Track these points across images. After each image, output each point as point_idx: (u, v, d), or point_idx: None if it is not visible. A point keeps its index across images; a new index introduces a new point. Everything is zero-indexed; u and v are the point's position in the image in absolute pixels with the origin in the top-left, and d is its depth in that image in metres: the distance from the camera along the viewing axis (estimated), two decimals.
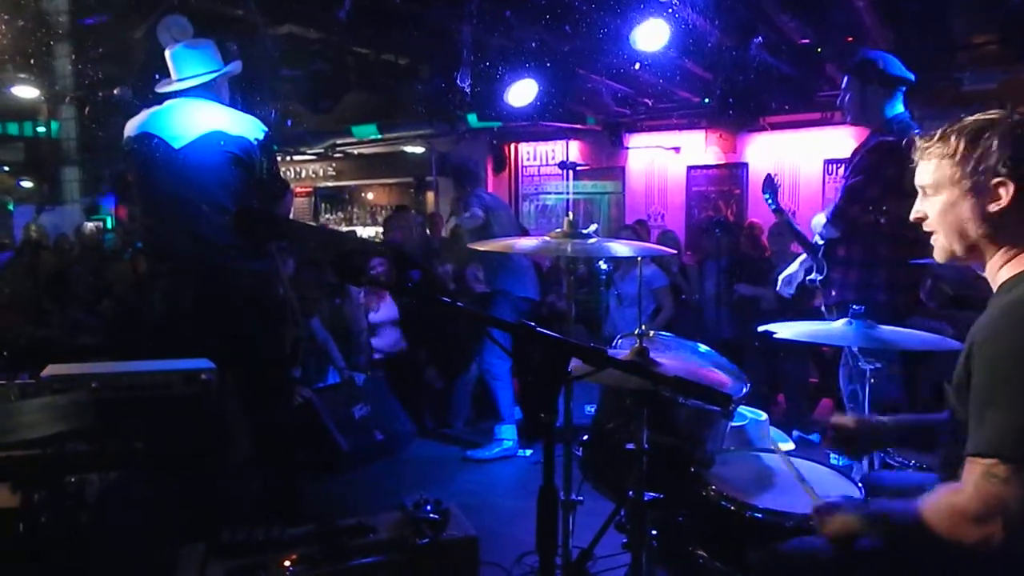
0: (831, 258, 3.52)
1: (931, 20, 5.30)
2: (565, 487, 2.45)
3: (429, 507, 2.42)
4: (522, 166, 10.12)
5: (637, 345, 2.12)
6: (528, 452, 4.68)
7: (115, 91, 5.26)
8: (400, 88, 6.52)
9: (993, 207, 1.46)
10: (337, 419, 4.57)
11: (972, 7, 5.16)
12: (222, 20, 5.00)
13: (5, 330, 4.39)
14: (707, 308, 5.76)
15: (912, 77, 3.39)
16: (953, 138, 1.51)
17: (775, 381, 5.21)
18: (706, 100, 7.25)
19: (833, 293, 3.49)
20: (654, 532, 2.15)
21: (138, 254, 5.80)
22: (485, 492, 4.13)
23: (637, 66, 5.38)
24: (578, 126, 8.69)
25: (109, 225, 11.10)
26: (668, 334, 2.86)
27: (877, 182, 3.26)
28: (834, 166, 7.76)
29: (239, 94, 3.35)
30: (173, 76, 3.11)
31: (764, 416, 3.35)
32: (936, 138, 1.55)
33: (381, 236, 7.62)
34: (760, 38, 4.90)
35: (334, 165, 12.63)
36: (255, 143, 3.03)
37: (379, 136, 9.59)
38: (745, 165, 8.43)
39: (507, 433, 4.70)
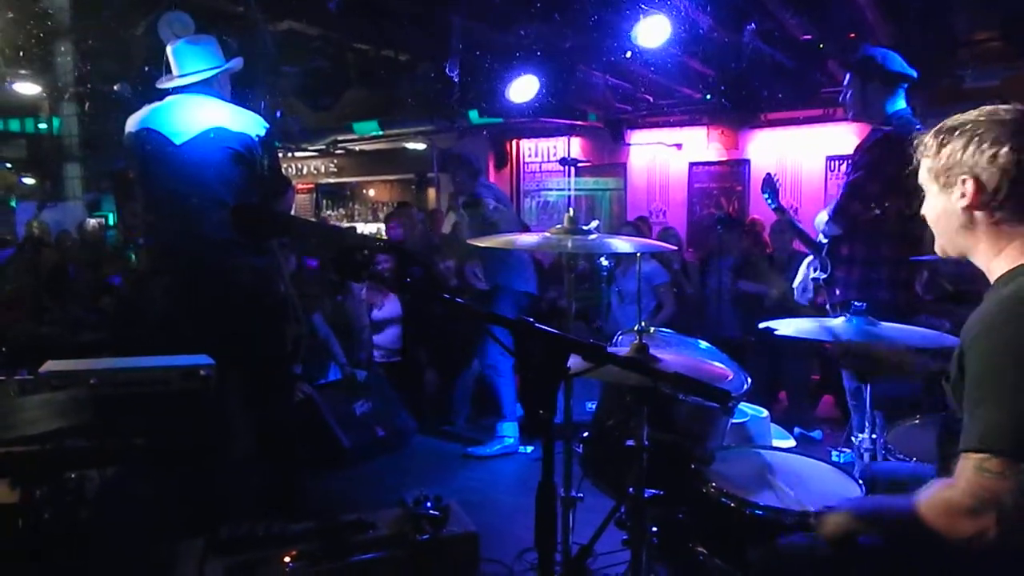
0: (834, 256, 3.51)
1: (933, 17, 5.28)
2: (565, 484, 2.45)
3: (429, 503, 2.43)
4: (523, 163, 10.11)
5: (637, 341, 2.12)
6: (529, 449, 4.68)
7: (115, 87, 5.26)
8: (401, 84, 6.50)
9: (962, 203, 1.51)
10: (338, 415, 4.58)
11: (974, 4, 5.14)
12: (222, 16, 4.99)
13: (5, 326, 4.39)
14: (709, 305, 5.75)
15: (914, 74, 3.38)
16: (931, 137, 1.57)
17: (777, 378, 5.20)
18: (708, 96, 7.23)
19: (837, 292, 3.49)
20: (654, 529, 2.15)
21: (139, 250, 5.81)
22: (486, 489, 4.13)
23: (628, 54, 5.35)
24: (579, 122, 8.67)
25: (111, 221, 11.11)
26: (669, 331, 2.86)
27: (878, 178, 3.25)
28: (836, 163, 7.74)
29: (240, 90, 3.35)
30: (174, 72, 3.11)
31: (765, 413, 3.35)
32: (925, 138, 1.60)
33: (383, 233, 7.61)
34: (754, 25, 4.87)
35: (335, 161, 12.62)
36: (256, 139, 3.03)
37: (380, 132, 9.58)
38: (747, 161, 8.41)
39: (509, 431, 4.70)
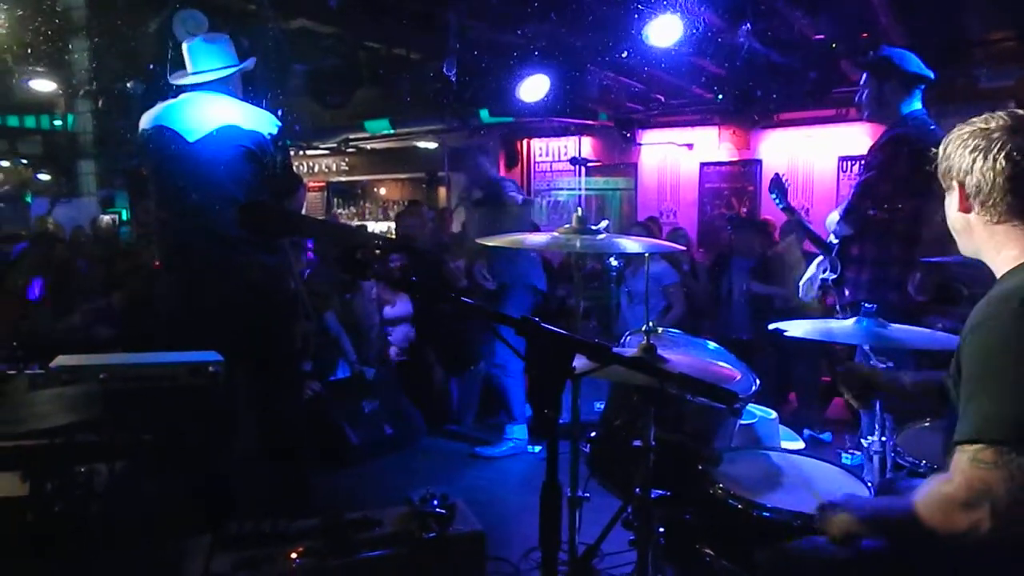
0: (845, 257, 3.49)
1: (947, 17, 5.24)
2: (572, 484, 2.45)
3: (436, 502, 2.42)
4: (534, 162, 10.10)
5: (645, 342, 2.11)
6: (537, 448, 4.67)
7: (128, 85, 5.29)
8: (412, 83, 6.51)
9: (958, 205, 1.57)
10: (347, 413, 4.59)
11: (988, 4, 5.09)
12: (235, 14, 5.02)
13: (16, 321, 4.43)
14: (719, 306, 5.73)
15: (931, 75, 3.36)
16: (943, 141, 1.62)
17: (787, 379, 5.18)
18: (719, 96, 7.21)
19: (847, 292, 3.47)
20: (661, 530, 2.14)
21: (151, 247, 5.83)
22: (493, 488, 4.13)
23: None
24: (590, 122, 8.66)
25: (124, 217, 11.19)
26: (677, 331, 2.85)
27: (890, 178, 3.23)
28: (849, 163, 7.69)
29: (252, 89, 3.36)
30: (188, 68, 3.12)
31: (773, 414, 3.33)
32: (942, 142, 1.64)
33: (393, 231, 7.63)
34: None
35: (347, 160, 12.65)
36: (268, 138, 3.04)
37: (391, 131, 9.60)
38: (759, 162, 8.37)
39: (518, 433, 4.69)
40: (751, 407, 3.17)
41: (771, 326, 2.66)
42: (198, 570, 2.09)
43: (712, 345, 2.77)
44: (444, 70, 5.28)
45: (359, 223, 12.47)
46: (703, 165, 8.74)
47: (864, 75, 3.50)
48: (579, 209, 2.43)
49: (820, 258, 3.69)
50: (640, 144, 8.97)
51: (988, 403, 1.35)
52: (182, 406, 1.95)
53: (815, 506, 1.69)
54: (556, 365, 1.38)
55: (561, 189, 9.71)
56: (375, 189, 13.62)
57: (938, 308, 3.53)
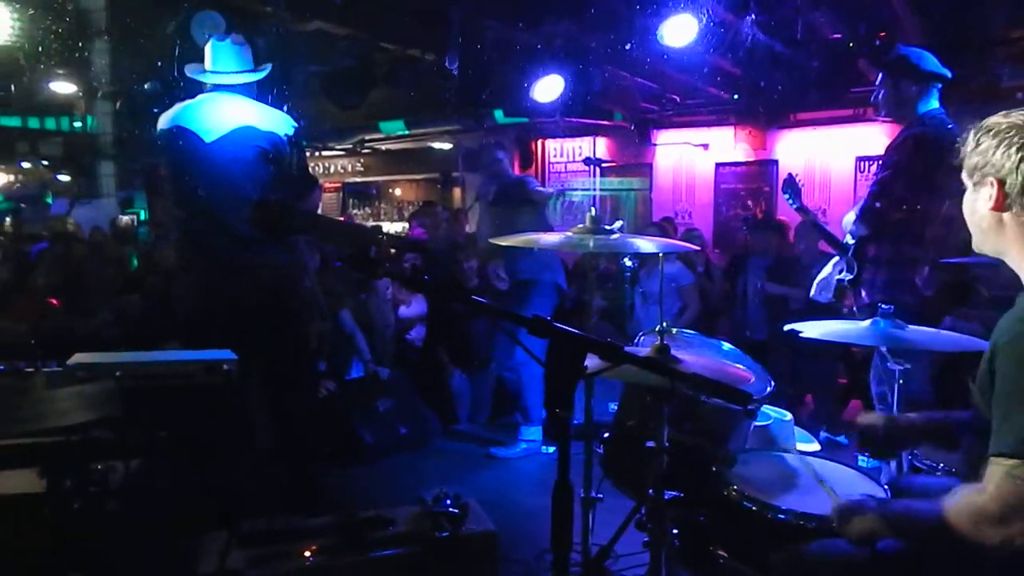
0: (861, 257, 3.46)
1: (967, 14, 5.18)
2: (585, 484, 2.44)
3: (448, 501, 2.43)
4: (549, 163, 10.09)
5: (658, 342, 2.10)
6: (551, 449, 4.66)
7: (146, 86, 5.35)
8: (426, 84, 6.53)
9: (989, 204, 1.50)
10: (361, 412, 4.60)
11: (1009, 1, 5.03)
12: (251, 16, 5.05)
13: (35, 319, 4.49)
14: (734, 306, 5.70)
15: (948, 73, 3.32)
16: (971, 135, 1.55)
17: (803, 381, 5.13)
18: (735, 96, 7.16)
19: (863, 294, 3.44)
20: (675, 531, 2.13)
21: (168, 247, 5.89)
22: (507, 489, 4.13)
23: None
24: (605, 122, 8.64)
25: (143, 218, 11.29)
26: (691, 332, 2.84)
27: (906, 178, 3.20)
28: (866, 163, 7.61)
29: (268, 90, 3.38)
30: (208, 67, 3.15)
31: (789, 416, 3.31)
32: (968, 134, 1.58)
33: (407, 232, 7.65)
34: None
35: (362, 161, 12.71)
36: (285, 138, 3.06)
37: (406, 132, 9.63)
38: (775, 162, 8.31)
39: (532, 434, 4.69)
40: (766, 408, 3.14)
41: (787, 327, 2.64)
42: (213, 566, 2.11)
43: (727, 346, 2.76)
44: (447, 63, 5.28)
45: (374, 224, 12.51)
46: (719, 165, 8.69)
47: (880, 74, 3.47)
48: (592, 209, 2.43)
49: (836, 259, 3.66)
50: (655, 144, 8.94)
51: None
52: (197, 404, 1.96)
53: (831, 507, 1.67)
54: (568, 364, 1.37)
55: (576, 190, 9.69)
56: (390, 190, 13.67)
57: (956, 310, 3.49)
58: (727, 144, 8.53)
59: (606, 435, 2.47)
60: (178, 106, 3.14)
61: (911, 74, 3.31)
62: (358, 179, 13.23)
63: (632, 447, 2.23)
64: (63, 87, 9.44)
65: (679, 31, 4.90)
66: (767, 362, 2.71)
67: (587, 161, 5.88)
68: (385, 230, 11.67)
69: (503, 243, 2.58)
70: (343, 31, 5.86)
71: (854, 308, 3.53)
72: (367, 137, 10.63)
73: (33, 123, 10.99)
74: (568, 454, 1.40)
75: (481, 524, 2.45)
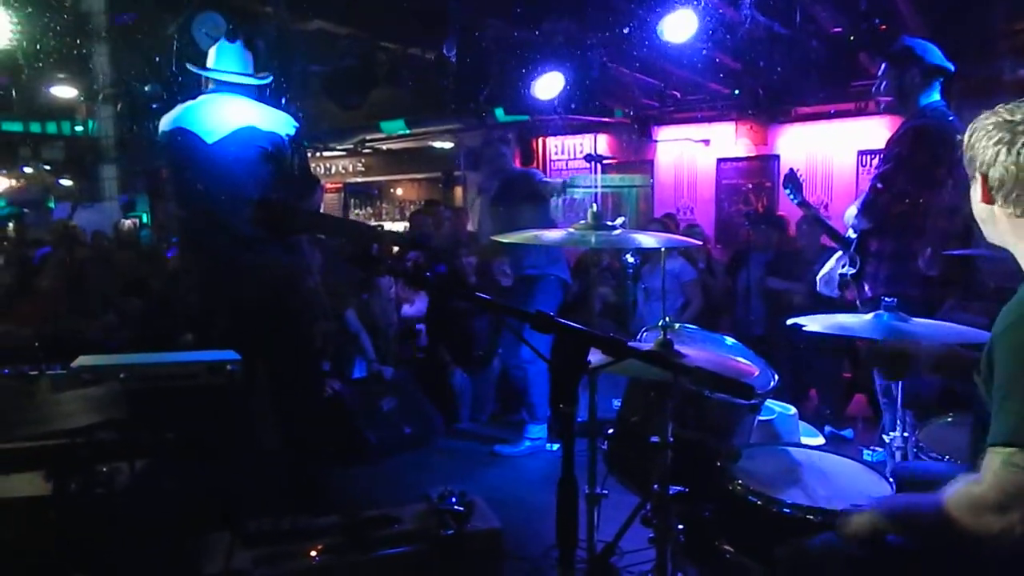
0: (864, 251, 3.45)
1: (969, 7, 5.17)
2: (590, 481, 2.44)
3: (454, 499, 2.43)
4: (550, 160, 10.09)
5: (661, 337, 2.10)
6: (556, 447, 4.66)
7: (147, 88, 5.36)
8: (428, 83, 6.53)
9: (980, 196, 1.55)
10: (365, 411, 4.61)
11: None
12: (252, 16, 5.05)
13: (39, 322, 4.49)
14: (737, 302, 5.69)
15: (951, 67, 3.31)
16: (966, 133, 1.59)
17: (807, 375, 5.13)
18: (736, 92, 7.15)
19: (866, 288, 3.43)
20: (680, 526, 2.13)
21: (172, 248, 5.91)
22: (512, 486, 4.13)
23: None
24: (606, 119, 8.63)
25: (145, 221, 11.32)
26: (694, 327, 2.83)
27: (908, 170, 3.19)
28: (868, 157, 7.59)
29: (268, 90, 3.39)
30: (210, 64, 3.15)
31: (793, 410, 3.31)
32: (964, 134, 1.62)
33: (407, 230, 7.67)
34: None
35: (363, 161, 12.72)
36: (286, 138, 3.07)
37: (407, 131, 9.63)
38: (776, 157, 8.29)
39: (537, 432, 4.68)
40: (770, 403, 3.14)
41: (789, 321, 2.64)
42: (219, 566, 2.12)
43: (730, 341, 2.75)
44: (444, 51, 5.27)
45: (376, 223, 12.53)
46: (720, 161, 8.67)
47: (883, 65, 3.46)
48: (594, 205, 2.42)
49: (839, 253, 3.65)
50: (656, 141, 8.93)
51: (1022, 406, 1.32)
52: (201, 405, 1.97)
53: (835, 502, 1.67)
54: (572, 360, 1.37)
55: (577, 187, 9.68)
56: (391, 189, 13.68)
57: (960, 302, 3.49)
58: (728, 139, 8.52)
59: (610, 431, 2.46)
60: (179, 108, 3.15)
61: (915, 66, 3.29)
62: (359, 179, 13.25)
63: (636, 443, 2.23)
64: (64, 91, 9.46)
65: (679, 27, 4.89)
66: (771, 356, 2.71)
67: (588, 158, 5.88)
68: (387, 229, 11.70)
69: (507, 240, 2.57)
70: (344, 31, 5.86)
71: (857, 302, 3.52)
72: (368, 137, 10.64)
73: (35, 127, 11.02)
74: (572, 450, 1.39)
75: (486, 522, 2.45)
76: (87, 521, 1.84)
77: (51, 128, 11.13)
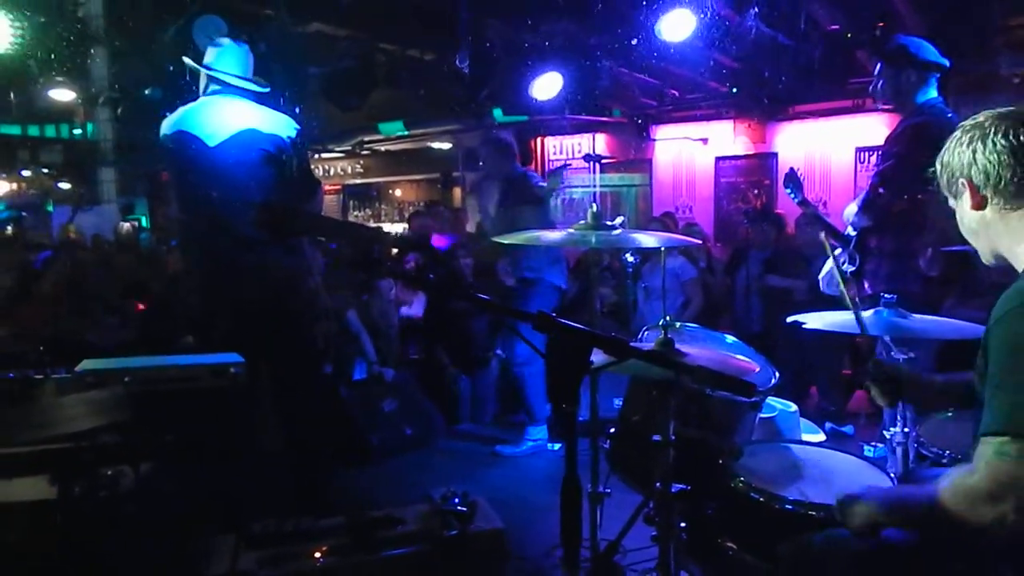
0: (863, 248, 3.46)
1: (965, 3, 5.18)
2: (593, 480, 2.45)
3: (457, 500, 2.44)
4: (548, 160, 10.10)
5: (662, 336, 2.11)
6: (557, 446, 4.67)
7: (147, 91, 5.37)
8: (426, 84, 6.54)
9: (968, 204, 1.58)
10: (366, 413, 4.61)
11: None
12: (252, 19, 5.06)
13: (42, 327, 4.50)
14: (737, 299, 5.70)
15: (946, 63, 3.33)
16: (936, 160, 1.65)
17: (807, 372, 5.14)
18: (734, 90, 7.17)
19: (866, 285, 3.44)
20: (683, 524, 2.14)
21: (172, 251, 5.92)
22: (515, 486, 4.13)
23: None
24: (604, 119, 8.64)
25: (144, 224, 11.32)
26: (695, 325, 2.84)
27: (908, 168, 3.20)
28: (866, 154, 7.61)
29: (269, 92, 3.39)
30: (211, 64, 3.14)
31: (794, 407, 3.32)
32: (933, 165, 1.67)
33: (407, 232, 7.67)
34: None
35: (361, 162, 12.73)
36: (288, 141, 3.07)
37: (406, 133, 9.64)
38: (775, 155, 8.31)
39: (538, 433, 4.69)
40: (771, 400, 3.15)
41: (789, 319, 2.64)
42: (224, 568, 2.12)
43: (730, 339, 2.76)
44: (456, 62, 5.28)
45: (375, 225, 12.54)
46: (718, 159, 8.69)
47: (879, 64, 3.47)
48: (593, 205, 2.43)
49: (838, 250, 3.66)
50: (654, 140, 8.94)
51: (1014, 396, 1.34)
52: (205, 407, 1.97)
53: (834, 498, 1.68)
54: (573, 360, 1.38)
55: (576, 187, 9.70)
56: (390, 191, 13.69)
57: (959, 298, 3.50)
58: (726, 138, 8.53)
59: (612, 430, 2.47)
60: (180, 111, 3.15)
61: (910, 64, 3.31)
62: (358, 180, 13.25)
63: (638, 441, 2.24)
64: (63, 94, 9.45)
65: (677, 26, 4.90)
66: (771, 354, 2.72)
67: (587, 158, 5.89)
68: (386, 231, 11.70)
69: (507, 241, 2.58)
70: (343, 32, 5.87)
71: (856, 299, 3.53)
72: (366, 138, 10.64)
73: (33, 131, 11.02)
74: (575, 449, 1.40)
75: (490, 522, 2.46)
76: (91, 525, 1.85)
77: (50, 131, 11.13)
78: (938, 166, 1.63)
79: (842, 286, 2.05)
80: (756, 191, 8.43)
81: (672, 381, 1.94)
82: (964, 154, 1.54)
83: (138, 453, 1.88)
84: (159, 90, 5.05)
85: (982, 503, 1.31)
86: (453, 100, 6.41)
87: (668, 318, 2.28)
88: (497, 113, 7.56)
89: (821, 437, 3.61)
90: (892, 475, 2.06)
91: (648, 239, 2.49)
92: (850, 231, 3.55)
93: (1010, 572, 1.44)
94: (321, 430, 3.34)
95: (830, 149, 7.95)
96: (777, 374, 2.47)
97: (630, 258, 5.41)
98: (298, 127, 3.14)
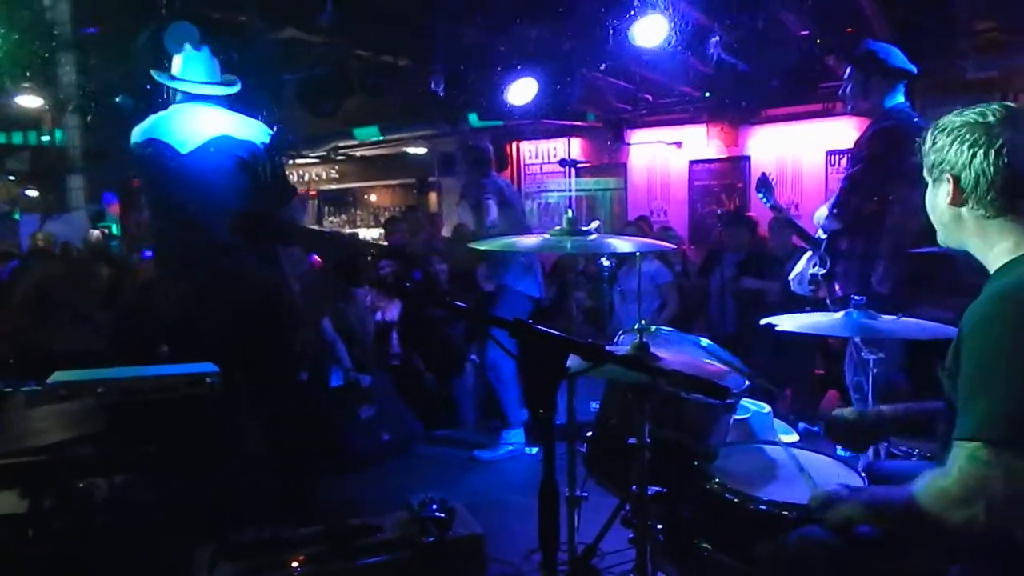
0: (834, 251, 3.52)
1: (931, 7, 5.28)
2: (569, 483, 2.46)
3: (435, 506, 2.44)
4: (524, 164, 10.13)
5: (638, 340, 2.13)
6: (535, 450, 4.68)
7: (117, 99, 5.30)
8: (401, 89, 6.53)
9: (946, 199, 1.56)
10: (343, 420, 4.59)
11: None
12: (225, 25, 5.02)
13: (12, 338, 4.42)
14: (711, 302, 5.76)
15: (914, 69, 3.40)
16: (929, 132, 1.61)
17: (780, 373, 5.20)
18: (707, 94, 7.24)
19: (837, 287, 3.50)
20: (659, 526, 2.16)
21: (144, 260, 5.85)
22: (493, 491, 4.14)
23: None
24: (579, 123, 8.68)
25: (115, 231, 11.16)
26: (670, 329, 2.87)
27: (877, 171, 3.27)
28: (836, 157, 7.73)
29: (242, 98, 3.37)
30: (178, 74, 3.12)
31: (767, 409, 3.36)
32: (926, 132, 1.63)
33: (384, 238, 7.65)
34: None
35: (336, 168, 12.65)
36: (261, 146, 3.05)
37: (381, 138, 9.61)
38: (747, 158, 8.41)
39: (514, 437, 4.70)
40: (745, 402, 3.19)
41: (763, 321, 2.68)
42: None
43: (705, 342, 2.79)
44: (432, 86, 5.28)
45: (351, 231, 12.48)
46: (692, 163, 8.77)
47: (849, 69, 3.54)
48: (569, 211, 2.45)
49: (810, 253, 3.72)
50: (629, 144, 9.00)
51: (987, 402, 1.36)
52: (181, 418, 1.96)
53: (809, 497, 1.71)
54: (550, 366, 1.39)
55: (551, 191, 9.73)
56: (366, 196, 13.62)
57: (931, 298, 3.56)
58: (700, 142, 8.62)
59: (589, 434, 2.49)
60: (150, 119, 3.12)
61: (878, 69, 3.38)
62: (333, 186, 13.17)
63: (615, 445, 2.26)
64: (30, 100, 9.30)
65: (650, 31, 4.94)
66: (745, 355, 2.75)
67: (563, 163, 5.92)
68: (362, 237, 11.65)
69: (481, 247, 2.59)
70: (318, 39, 5.84)
71: (827, 301, 3.59)
72: (341, 144, 10.59)
73: None
74: (553, 455, 1.42)
75: (468, 527, 2.46)
76: (65, 538, 1.83)
77: (16, 138, 10.93)
78: (927, 142, 1.58)
79: None
80: (729, 194, 8.52)
81: (648, 385, 1.96)
82: (961, 152, 1.50)
83: (112, 465, 1.86)
84: (130, 98, 4.98)
85: (954, 505, 1.34)
86: (428, 105, 6.41)
87: (644, 322, 2.30)
88: (472, 118, 7.57)
89: (795, 438, 3.65)
90: (863, 474, 2.10)
91: (623, 244, 2.51)
92: (820, 234, 3.61)
93: (978, 568, 1.48)
94: (299, 437, 3.32)
95: (801, 152, 8.06)
96: (751, 376, 2.49)
97: (606, 262, 5.45)
98: (272, 133, 3.12)
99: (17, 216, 12.00)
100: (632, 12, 4.85)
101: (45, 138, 10.75)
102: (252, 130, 3.07)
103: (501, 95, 5.65)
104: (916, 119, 3.32)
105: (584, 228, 2.40)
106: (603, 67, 6.50)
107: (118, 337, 4.74)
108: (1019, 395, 1.34)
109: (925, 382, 3.28)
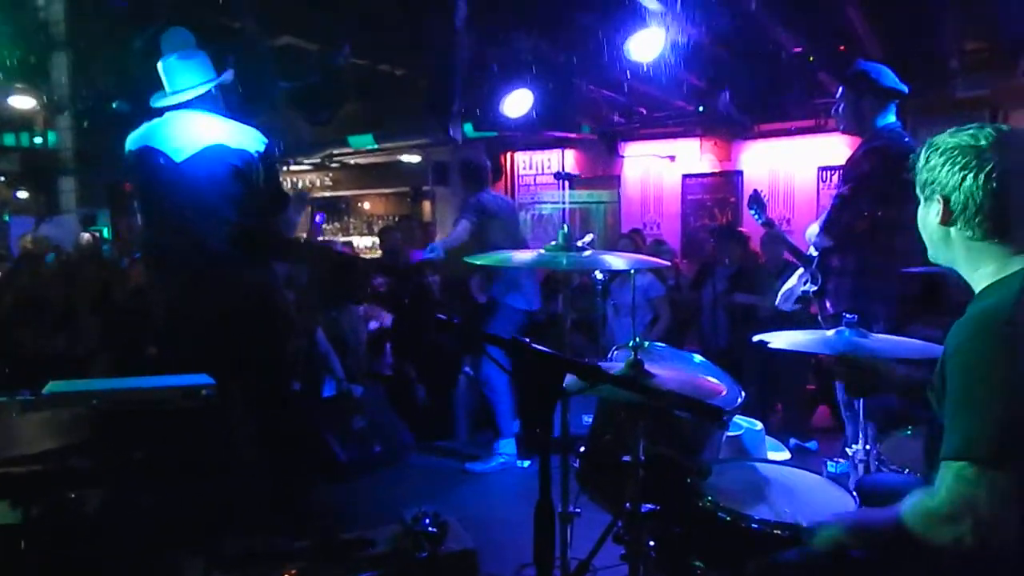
0: (825, 268, 3.55)
1: (922, 27, 5.34)
2: (563, 499, 2.47)
3: (428, 521, 2.44)
4: (518, 175, 10.15)
5: (632, 357, 2.14)
6: (527, 463, 4.68)
7: (113, 105, 5.28)
8: (396, 98, 6.55)
9: (936, 219, 1.58)
10: (335, 431, 4.58)
11: (963, 14, 5.20)
12: (221, 32, 5.03)
13: (4, 345, 4.40)
14: (704, 316, 5.78)
15: (905, 89, 3.44)
16: (922, 150, 1.62)
17: (772, 389, 5.22)
18: (701, 108, 7.29)
19: (828, 305, 3.52)
20: (652, 543, 2.16)
21: (136, 264, 5.82)
22: (484, 504, 4.13)
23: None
24: (573, 135, 8.72)
25: (106, 235, 11.10)
26: (663, 345, 2.88)
27: (868, 190, 3.30)
28: (828, 173, 7.80)
29: (237, 105, 3.36)
30: (166, 88, 3.12)
31: (760, 426, 3.38)
32: (920, 149, 1.65)
33: (377, 246, 7.65)
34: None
35: (330, 175, 12.65)
36: (256, 155, 3.05)
37: (375, 146, 9.62)
38: (740, 173, 8.47)
39: (507, 448, 4.70)
40: (737, 419, 3.21)
41: (755, 338, 2.70)
42: None
43: (698, 358, 2.81)
44: (427, 78, 5.30)
45: (344, 239, 12.46)
46: (685, 177, 8.82)
47: (841, 88, 3.58)
48: (565, 226, 2.46)
49: (801, 270, 3.75)
50: (623, 156, 9.04)
51: (972, 422, 1.38)
52: (176, 430, 1.95)
53: (801, 517, 1.72)
54: (546, 385, 1.40)
55: (545, 203, 9.75)
56: (359, 204, 13.62)
57: (924, 317, 3.59)
58: (693, 155, 8.67)
59: (582, 449, 2.49)
60: (144, 126, 3.10)
61: (870, 89, 3.41)
62: (327, 194, 13.16)
63: (608, 461, 2.26)
64: (22, 101, 9.26)
65: (645, 46, 4.97)
66: (737, 371, 2.77)
67: (557, 176, 5.92)
68: (355, 245, 11.63)
69: (476, 262, 2.60)
70: (313, 46, 5.86)
71: (819, 318, 3.61)
72: (336, 151, 10.59)
73: None
74: (549, 472, 1.42)
75: (460, 543, 2.47)
76: (56, 549, 1.82)
77: (8, 139, 10.87)
78: (921, 160, 1.60)
79: None
80: (722, 208, 8.57)
81: (642, 404, 1.97)
82: (953, 174, 1.52)
83: (106, 477, 1.85)
84: (127, 103, 4.97)
85: (941, 524, 1.35)
86: (423, 114, 6.42)
87: (637, 339, 2.31)
88: (467, 128, 7.59)
89: (786, 455, 3.67)
90: (853, 492, 2.11)
91: (617, 261, 2.53)
92: (812, 251, 3.64)
93: None
94: (291, 447, 3.30)
95: (793, 168, 8.12)
96: (743, 393, 2.51)
97: (599, 275, 5.46)
98: (267, 141, 3.11)
99: (7, 218, 11.92)
100: (628, 26, 4.88)
101: (37, 140, 10.71)
102: (247, 138, 3.05)
103: (496, 106, 5.67)
104: (907, 139, 3.35)
105: (578, 243, 2.41)
106: (598, 79, 6.54)
107: (107, 341, 4.72)
108: (1003, 414, 1.36)
109: (912, 401, 3.30)
